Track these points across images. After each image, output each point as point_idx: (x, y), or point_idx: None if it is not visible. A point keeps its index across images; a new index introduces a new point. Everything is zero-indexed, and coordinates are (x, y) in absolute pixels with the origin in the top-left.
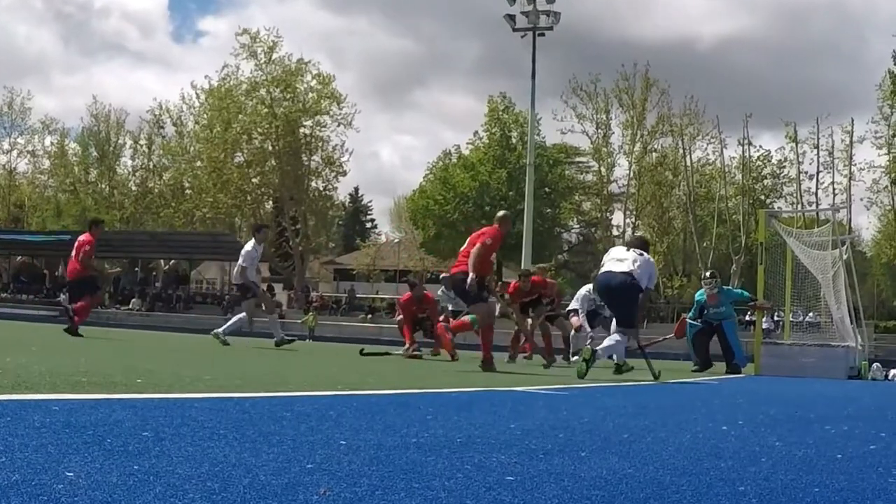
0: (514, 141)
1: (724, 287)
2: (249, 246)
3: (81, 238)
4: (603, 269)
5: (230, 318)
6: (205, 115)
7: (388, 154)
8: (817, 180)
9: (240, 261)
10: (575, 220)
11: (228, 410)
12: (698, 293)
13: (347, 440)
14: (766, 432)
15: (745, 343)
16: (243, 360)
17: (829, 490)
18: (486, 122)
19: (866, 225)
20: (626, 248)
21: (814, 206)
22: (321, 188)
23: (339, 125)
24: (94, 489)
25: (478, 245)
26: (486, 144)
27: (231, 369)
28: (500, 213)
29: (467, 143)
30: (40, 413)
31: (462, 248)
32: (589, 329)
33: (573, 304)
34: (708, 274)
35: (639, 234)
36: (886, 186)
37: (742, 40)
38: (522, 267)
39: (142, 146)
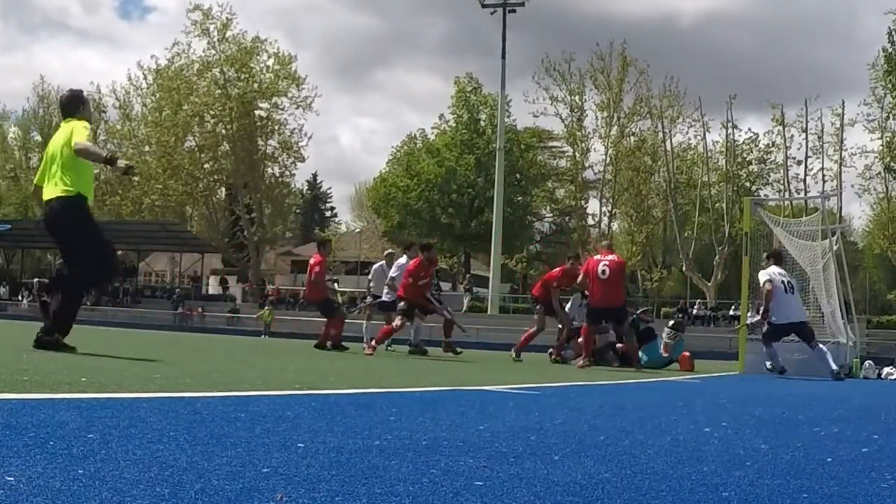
0: (482, 124)
1: (681, 342)
2: (403, 259)
3: (311, 260)
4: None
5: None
6: (153, 97)
7: (349, 138)
8: (806, 166)
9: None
10: (548, 208)
11: (179, 411)
12: (648, 349)
13: (305, 443)
14: (751, 434)
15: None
16: (194, 358)
17: (819, 496)
18: (453, 105)
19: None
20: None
21: (802, 194)
22: (278, 174)
23: (297, 108)
24: (36, 495)
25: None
26: (452, 128)
27: (182, 368)
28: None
29: (433, 128)
30: None
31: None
32: None
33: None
34: (672, 323)
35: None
36: (879, 173)
37: (726, 16)
38: (492, 257)
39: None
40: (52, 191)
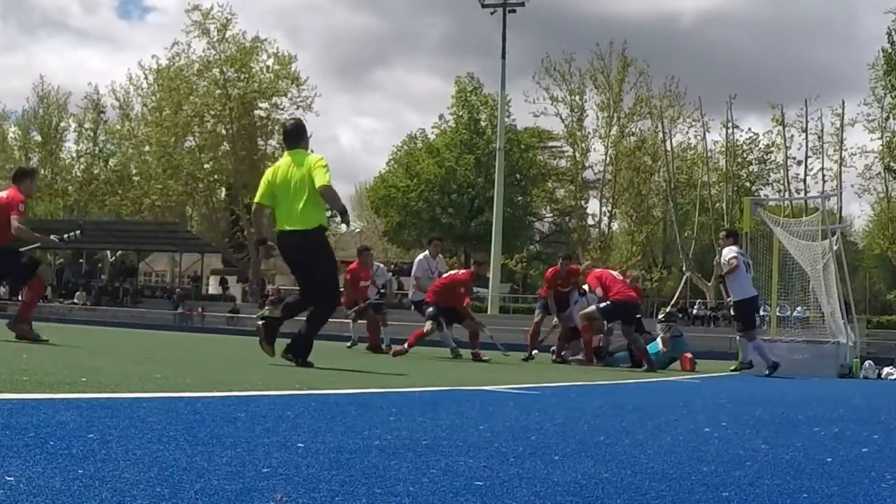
0: (482, 124)
1: (681, 339)
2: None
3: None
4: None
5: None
6: (153, 97)
7: (348, 138)
8: (806, 166)
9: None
10: (548, 208)
11: (179, 411)
12: (655, 342)
13: (305, 442)
14: (751, 434)
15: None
16: (194, 358)
17: (819, 496)
18: (453, 105)
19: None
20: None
21: (802, 194)
22: None
23: (297, 108)
24: (36, 494)
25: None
26: (452, 128)
27: (182, 368)
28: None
29: (433, 127)
30: None
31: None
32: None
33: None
34: (661, 316)
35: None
36: (879, 173)
37: (726, 16)
38: (492, 257)
39: (87, 130)
40: (299, 222)
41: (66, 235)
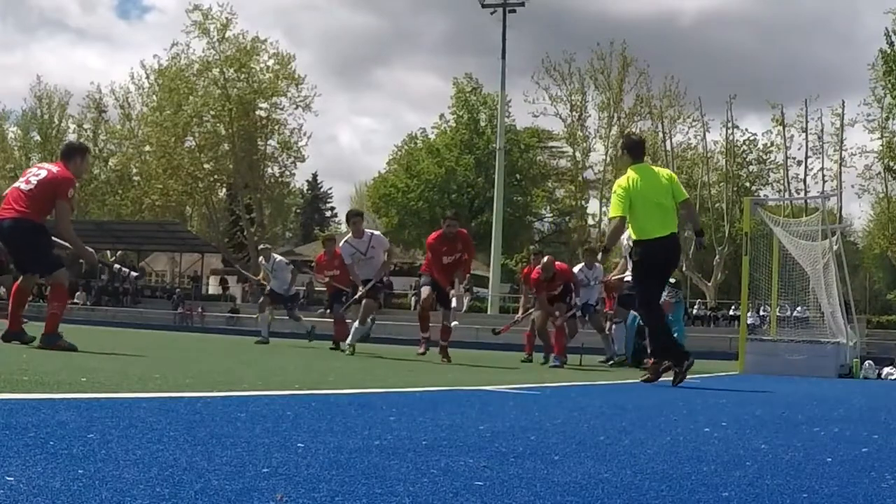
0: (482, 124)
1: (681, 303)
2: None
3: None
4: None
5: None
6: (153, 97)
7: (348, 138)
8: (805, 166)
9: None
10: (548, 208)
11: (179, 411)
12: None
13: (305, 442)
14: (751, 434)
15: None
16: (194, 358)
17: (819, 496)
18: (453, 105)
19: (858, 214)
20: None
21: (802, 194)
22: (278, 174)
23: (297, 108)
24: (36, 495)
25: None
26: (452, 128)
27: (182, 368)
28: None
29: (433, 127)
30: None
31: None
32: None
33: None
34: (673, 281)
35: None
36: (879, 173)
37: (726, 16)
38: (492, 257)
39: (86, 130)
40: (668, 228)
41: (119, 266)
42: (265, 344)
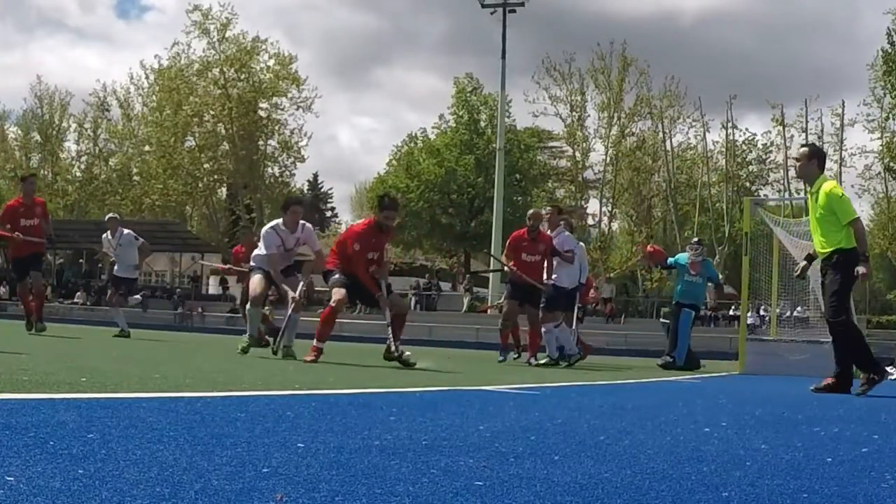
0: (482, 125)
1: (708, 259)
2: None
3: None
4: None
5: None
6: (154, 97)
7: (348, 137)
8: None
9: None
10: (548, 208)
11: (179, 411)
12: (680, 256)
13: (305, 443)
14: (751, 434)
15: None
16: (194, 357)
17: (819, 496)
18: (453, 105)
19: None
20: None
21: (802, 194)
22: (278, 174)
23: (297, 108)
24: (36, 495)
25: None
26: (452, 129)
27: (182, 368)
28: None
29: (433, 127)
30: None
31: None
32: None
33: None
34: (695, 240)
35: None
36: (879, 173)
37: (726, 15)
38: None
39: (87, 130)
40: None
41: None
42: (124, 337)
